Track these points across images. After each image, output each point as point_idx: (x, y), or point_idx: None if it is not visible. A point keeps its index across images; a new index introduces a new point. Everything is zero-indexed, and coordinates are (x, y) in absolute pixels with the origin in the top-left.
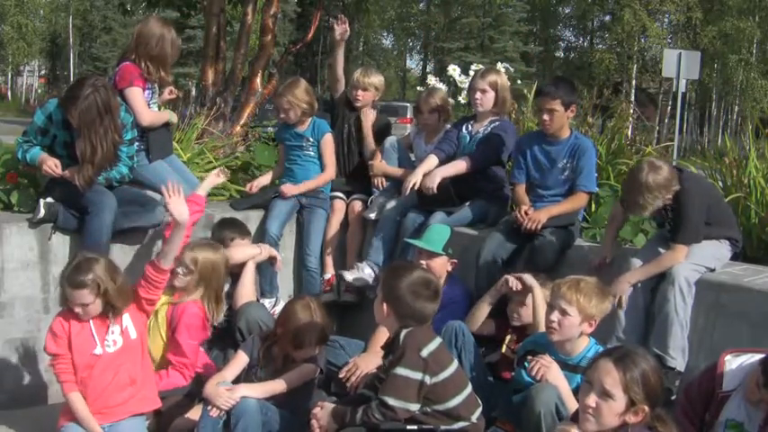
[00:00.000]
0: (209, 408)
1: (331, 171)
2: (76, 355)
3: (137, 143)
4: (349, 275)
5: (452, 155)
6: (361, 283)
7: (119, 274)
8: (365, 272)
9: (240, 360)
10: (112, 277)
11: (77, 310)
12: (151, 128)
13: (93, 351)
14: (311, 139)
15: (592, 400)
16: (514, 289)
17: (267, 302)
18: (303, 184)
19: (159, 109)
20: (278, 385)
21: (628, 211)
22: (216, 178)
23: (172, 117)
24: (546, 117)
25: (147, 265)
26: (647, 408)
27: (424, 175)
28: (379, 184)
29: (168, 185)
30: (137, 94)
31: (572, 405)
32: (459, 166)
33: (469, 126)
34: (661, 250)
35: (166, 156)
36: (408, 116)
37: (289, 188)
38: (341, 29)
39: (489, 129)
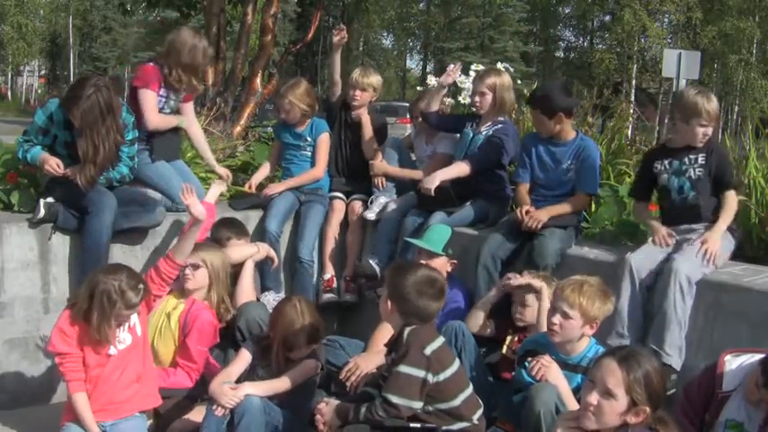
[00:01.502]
0: (214, 407)
1: (319, 169)
2: (89, 354)
3: (143, 143)
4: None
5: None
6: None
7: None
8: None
9: (243, 358)
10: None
11: (128, 319)
12: (158, 131)
13: (107, 352)
14: (309, 139)
15: (593, 398)
16: (513, 284)
17: (274, 297)
18: (287, 181)
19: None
20: (281, 383)
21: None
22: (220, 186)
23: (181, 123)
24: (533, 124)
25: (161, 259)
26: (648, 409)
27: (425, 177)
28: (380, 184)
29: (183, 188)
30: (149, 97)
31: (572, 405)
32: (459, 169)
33: (474, 125)
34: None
35: (170, 159)
36: (408, 116)
37: (272, 187)
38: (338, 36)
39: (491, 131)
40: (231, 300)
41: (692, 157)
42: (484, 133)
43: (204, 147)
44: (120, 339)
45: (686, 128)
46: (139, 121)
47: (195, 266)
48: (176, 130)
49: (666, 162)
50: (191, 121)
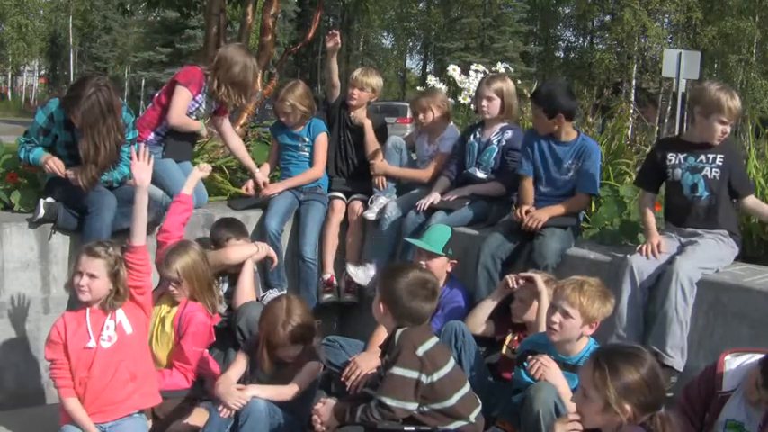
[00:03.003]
0: (220, 408)
1: (318, 169)
2: (72, 354)
3: (159, 137)
4: (355, 271)
5: (460, 172)
6: (365, 282)
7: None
8: (370, 273)
9: (241, 361)
10: (125, 264)
11: (84, 281)
12: (176, 132)
13: (86, 344)
14: (307, 140)
15: (576, 396)
16: (513, 287)
17: (278, 293)
18: (286, 181)
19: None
20: (290, 389)
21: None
22: (199, 173)
23: (202, 130)
24: (532, 119)
25: (125, 253)
26: (628, 408)
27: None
28: (380, 184)
29: (140, 148)
30: (183, 96)
31: (571, 405)
32: (493, 188)
33: (477, 134)
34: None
35: (180, 160)
36: (408, 116)
37: (271, 187)
38: (332, 42)
39: (504, 140)
40: (232, 298)
41: (709, 155)
42: (495, 141)
43: (246, 157)
44: (103, 337)
45: (705, 123)
46: (163, 114)
47: (177, 281)
48: (193, 136)
49: (681, 156)
50: (230, 135)
